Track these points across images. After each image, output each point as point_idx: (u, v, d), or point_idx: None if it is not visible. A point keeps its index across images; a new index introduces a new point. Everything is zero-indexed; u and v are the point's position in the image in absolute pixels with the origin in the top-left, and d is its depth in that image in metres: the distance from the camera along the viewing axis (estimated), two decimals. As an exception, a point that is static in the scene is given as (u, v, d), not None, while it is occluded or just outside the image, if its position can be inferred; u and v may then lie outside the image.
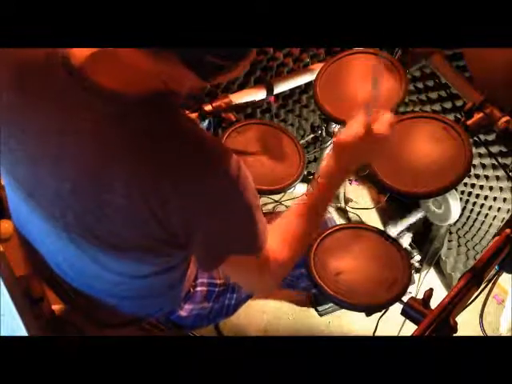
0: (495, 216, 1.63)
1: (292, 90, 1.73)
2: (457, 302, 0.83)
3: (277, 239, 0.84)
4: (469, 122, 1.17)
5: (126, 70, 0.67)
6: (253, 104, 1.49)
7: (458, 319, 0.82)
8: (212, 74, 0.68)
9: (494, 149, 1.47)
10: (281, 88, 1.54)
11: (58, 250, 0.85)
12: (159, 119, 0.68)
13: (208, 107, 1.31)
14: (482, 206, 1.68)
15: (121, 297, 0.92)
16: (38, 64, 0.69)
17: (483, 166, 1.59)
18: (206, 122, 1.37)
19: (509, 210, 1.56)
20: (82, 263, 0.83)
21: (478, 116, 1.17)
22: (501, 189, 1.57)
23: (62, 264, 0.89)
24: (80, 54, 0.68)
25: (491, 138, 1.46)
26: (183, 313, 1.05)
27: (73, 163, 0.69)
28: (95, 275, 0.85)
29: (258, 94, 1.48)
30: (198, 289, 1.06)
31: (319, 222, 0.93)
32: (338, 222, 1.40)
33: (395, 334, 1.53)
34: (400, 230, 1.83)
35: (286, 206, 1.86)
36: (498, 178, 1.56)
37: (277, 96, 1.62)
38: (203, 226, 0.72)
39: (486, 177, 1.60)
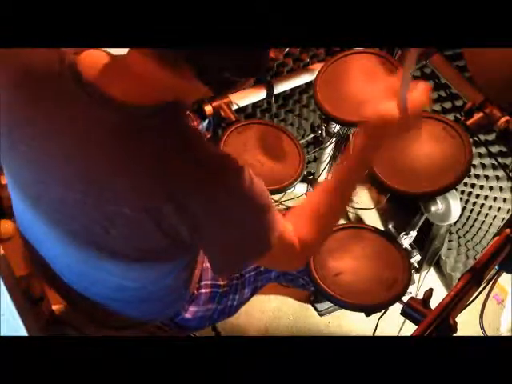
0: (495, 216, 1.63)
1: (292, 90, 1.73)
2: (457, 302, 0.83)
3: (304, 219, 0.83)
4: (469, 122, 1.17)
5: (136, 81, 0.67)
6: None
7: (458, 319, 0.82)
8: (226, 89, 0.69)
9: (494, 149, 1.47)
10: (281, 88, 1.54)
11: (62, 255, 0.85)
12: (167, 130, 0.68)
13: (208, 107, 1.31)
14: (482, 206, 1.67)
15: (124, 301, 0.92)
16: (47, 70, 0.69)
17: (483, 166, 1.59)
18: (206, 121, 1.37)
19: (509, 210, 1.56)
20: (86, 268, 0.83)
21: (477, 116, 1.16)
22: (501, 189, 1.57)
23: (65, 268, 0.89)
24: (88, 61, 0.68)
25: (491, 137, 1.46)
26: (188, 315, 1.05)
27: (79, 173, 0.69)
28: (98, 280, 0.85)
29: (258, 94, 1.48)
30: (202, 291, 1.06)
31: (346, 201, 0.90)
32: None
33: (395, 334, 1.53)
34: (400, 230, 1.83)
35: (286, 206, 1.85)
36: (498, 178, 1.56)
37: (277, 96, 1.62)
38: (211, 236, 0.72)
39: (486, 177, 1.60)
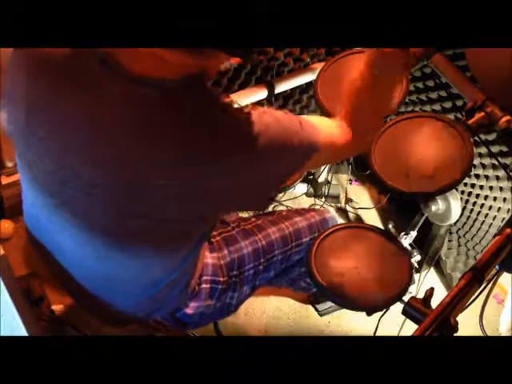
0: (495, 216, 1.63)
1: (292, 90, 1.73)
2: (457, 301, 0.83)
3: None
4: (469, 122, 1.17)
5: (160, 58, 0.67)
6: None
7: (458, 319, 0.82)
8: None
9: (495, 148, 1.47)
10: (281, 88, 1.54)
11: (78, 250, 0.85)
12: (194, 99, 0.69)
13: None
14: (482, 206, 1.68)
15: (133, 294, 0.93)
16: (67, 54, 0.69)
17: (483, 166, 1.59)
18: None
19: (509, 210, 1.56)
20: (101, 262, 0.84)
21: (478, 115, 1.16)
22: (501, 189, 1.57)
23: (78, 264, 0.90)
24: None
25: (492, 137, 1.46)
26: (189, 310, 1.05)
27: (107, 150, 0.70)
28: (111, 275, 0.87)
29: (259, 94, 1.49)
30: (203, 286, 1.07)
31: None
32: (338, 222, 1.40)
33: (395, 333, 1.53)
34: (400, 230, 1.83)
35: (286, 206, 1.85)
36: (498, 178, 1.56)
37: (277, 96, 1.62)
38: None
39: (486, 177, 1.60)
